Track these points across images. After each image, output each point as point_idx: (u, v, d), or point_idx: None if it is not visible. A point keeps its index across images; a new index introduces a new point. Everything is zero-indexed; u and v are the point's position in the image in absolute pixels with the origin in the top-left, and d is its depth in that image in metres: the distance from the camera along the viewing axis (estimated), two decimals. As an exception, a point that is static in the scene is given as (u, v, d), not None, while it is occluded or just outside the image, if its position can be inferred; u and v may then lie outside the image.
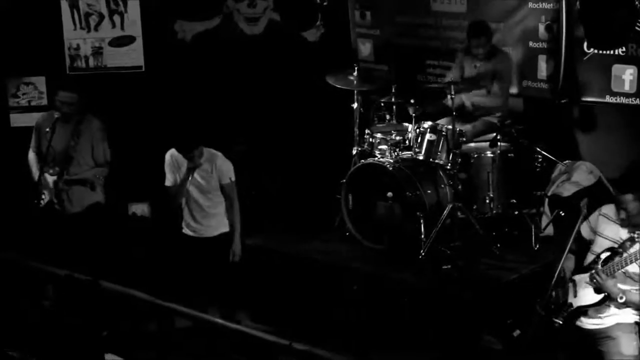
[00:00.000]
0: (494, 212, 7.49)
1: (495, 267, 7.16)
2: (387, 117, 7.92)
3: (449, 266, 7.14)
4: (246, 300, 7.41)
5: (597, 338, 5.72)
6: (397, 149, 7.64)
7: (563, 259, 5.83)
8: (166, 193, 6.91)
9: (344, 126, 8.19)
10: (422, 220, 7.31)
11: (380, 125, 7.92)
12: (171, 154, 6.83)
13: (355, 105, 8.01)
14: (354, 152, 7.96)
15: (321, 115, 8.78)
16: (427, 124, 7.51)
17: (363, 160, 7.71)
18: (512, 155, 7.53)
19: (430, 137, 7.45)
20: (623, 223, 5.68)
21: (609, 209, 5.81)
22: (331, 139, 8.53)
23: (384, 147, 7.67)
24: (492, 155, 7.48)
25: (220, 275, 6.87)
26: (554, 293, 5.82)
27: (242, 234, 7.09)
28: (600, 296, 5.66)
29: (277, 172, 8.90)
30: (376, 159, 7.64)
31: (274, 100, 9.01)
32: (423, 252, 7.26)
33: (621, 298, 5.59)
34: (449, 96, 7.44)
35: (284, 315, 7.42)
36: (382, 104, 7.93)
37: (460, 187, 7.45)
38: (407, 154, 7.62)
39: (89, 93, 7.93)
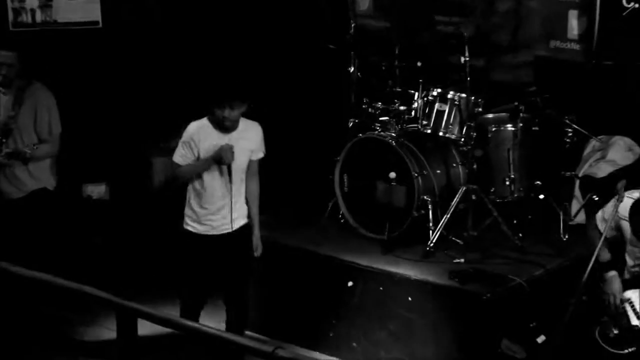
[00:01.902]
0: (515, 195, 7.43)
1: (517, 261, 7.12)
2: (390, 83, 7.85)
3: (462, 260, 7.11)
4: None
5: None
6: (401, 121, 7.61)
7: (592, 261, 5.79)
8: (172, 167, 6.53)
9: (338, 94, 8.18)
10: (430, 206, 7.30)
11: (381, 92, 7.88)
12: (196, 126, 6.36)
13: (351, 69, 7.98)
14: (350, 124, 7.95)
15: (312, 80, 8.78)
16: (437, 92, 7.47)
17: (361, 134, 7.69)
18: (537, 128, 7.46)
19: (440, 106, 7.43)
20: None
21: (623, 209, 5.81)
22: (323, 109, 8.55)
23: (385, 118, 7.65)
24: (513, 128, 7.40)
25: (245, 277, 6.64)
26: (610, 323, 5.82)
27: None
28: None
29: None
30: (376, 132, 7.61)
31: (258, 63, 8.95)
32: (431, 243, 7.23)
33: None
34: (462, 58, 7.36)
35: (269, 316, 7.46)
36: (384, 68, 7.88)
37: (475, 166, 7.40)
38: (412, 126, 7.60)
39: (35, 53, 7.92)
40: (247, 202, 6.51)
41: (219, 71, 8.85)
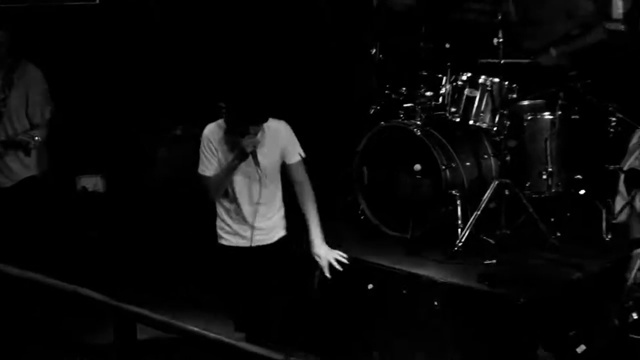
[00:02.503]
0: (553, 190, 7.42)
1: (554, 262, 7.08)
2: (415, 66, 7.81)
3: (494, 261, 7.06)
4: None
5: None
6: (427, 108, 7.58)
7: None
8: (199, 183, 6.32)
9: (358, 78, 8.26)
10: (458, 201, 7.28)
11: (406, 76, 7.87)
12: (211, 129, 6.21)
13: (373, 51, 7.96)
14: (371, 111, 7.94)
15: (328, 64, 8.75)
16: (466, 76, 7.46)
17: (383, 123, 7.64)
18: (577, 117, 7.46)
19: (470, 92, 7.41)
20: None
21: None
22: (341, 95, 8.55)
23: (410, 105, 7.62)
24: (550, 117, 7.38)
25: (276, 296, 6.47)
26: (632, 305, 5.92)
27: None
28: None
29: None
30: (400, 120, 7.59)
31: (270, 44, 8.92)
32: (460, 242, 7.20)
33: None
34: (495, 39, 7.33)
35: (281, 322, 7.23)
36: (408, 50, 7.89)
37: (508, 158, 7.38)
38: (440, 114, 7.58)
39: (25, 31, 7.92)
40: (304, 207, 6.34)
41: (233, 68, 8.76)
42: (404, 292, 6.97)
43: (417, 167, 7.37)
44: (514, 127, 7.40)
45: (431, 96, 7.62)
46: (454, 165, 7.36)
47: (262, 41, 8.97)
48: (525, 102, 7.57)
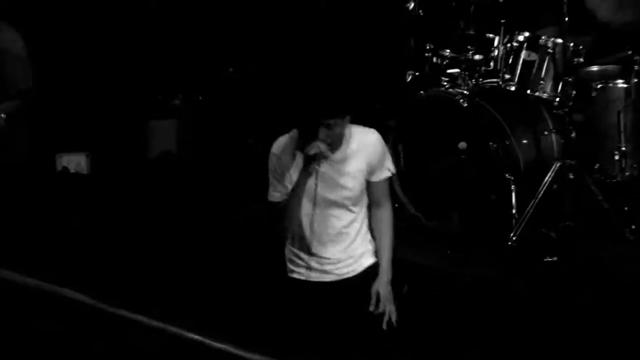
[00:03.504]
0: (627, 174, 7.38)
1: (628, 258, 7.01)
2: (461, 24, 7.84)
3: (555, 258, 6.98)
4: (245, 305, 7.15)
5: None
6: (476, 75, 7.60)
7: None
8: (270, 212, 6.08)
9: (393, 37, 8.28)
10: (513, 186, 7.25)
11: (450, 36, 7.91)
12: (281, 144, 5.88)
13: (411, 5, 7.99)
14: (409, 78, 7.95)
15: (358, 20, 8.75)
16: (523, 36, 7.45)
17: (422, 92, 7.62)
18: None
19: (528, 56, 7.41)
20: None
21: None
22: (373, 57, 8.54)
23: (455, 70, 7.65)
24: (625, 85, 7.34)
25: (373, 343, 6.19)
26: None
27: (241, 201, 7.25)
28: None
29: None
30: (443, 89, 7.59)
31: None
32: (514, 235, 7.14)
33: None
34: None
35: (293, 331, 6.74)
36: (454, 3, 7.90)
37: (574, 134, 7.35)
38: (491, 82, 7.60)
39: None
40: (379, 234, 6.07)
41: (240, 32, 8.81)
42: (446, 295, 6.88)
43: (463, 145, 7.34)
44: (581, 97, 7.38)
45: (481, 60, 7.63)
46: (507, 143, 7.32)
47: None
48: (595, 68, 7.54)
